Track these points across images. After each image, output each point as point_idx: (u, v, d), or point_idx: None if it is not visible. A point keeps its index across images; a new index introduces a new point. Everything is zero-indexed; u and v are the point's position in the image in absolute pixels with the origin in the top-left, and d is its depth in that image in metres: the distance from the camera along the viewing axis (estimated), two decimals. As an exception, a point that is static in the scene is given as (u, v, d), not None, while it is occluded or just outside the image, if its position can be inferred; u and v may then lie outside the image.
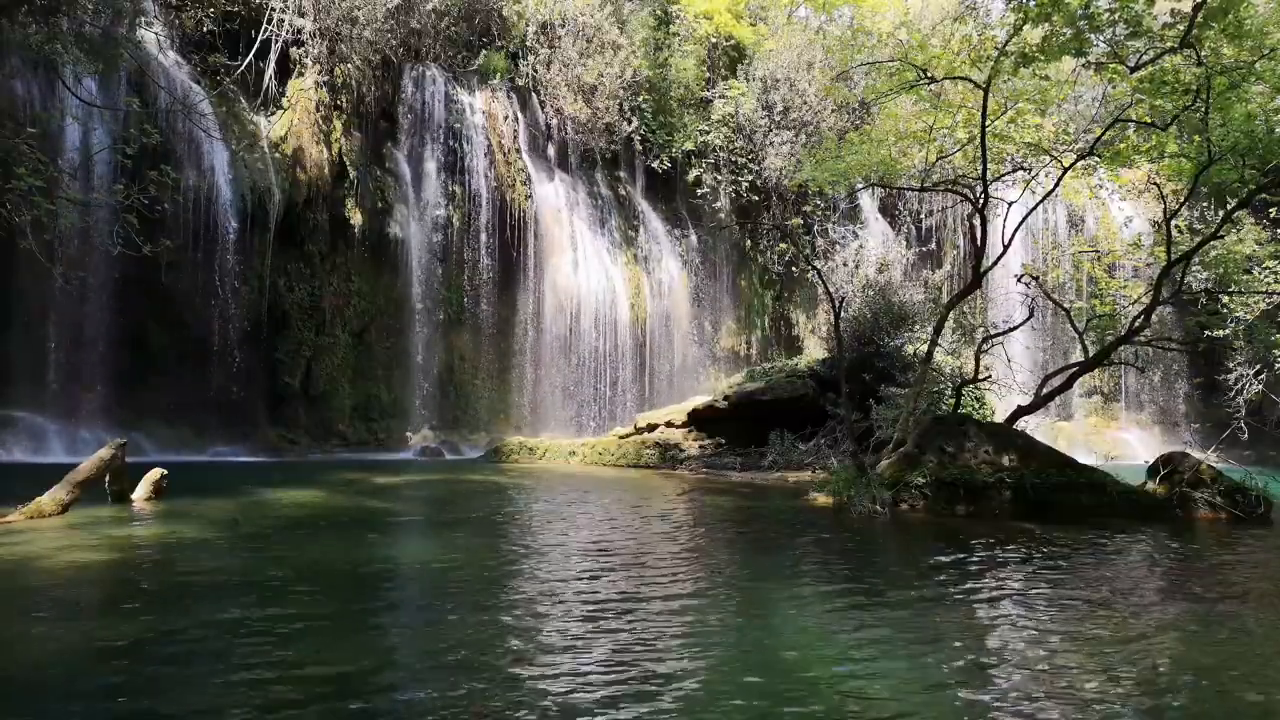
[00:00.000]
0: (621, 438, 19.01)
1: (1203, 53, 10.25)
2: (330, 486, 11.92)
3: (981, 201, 12.94)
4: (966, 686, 3.91)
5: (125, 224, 13.60)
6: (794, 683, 3.87)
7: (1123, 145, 12.52)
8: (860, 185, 17.68)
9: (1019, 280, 15.35)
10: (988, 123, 12.04)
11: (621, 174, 27.40)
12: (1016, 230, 13.36)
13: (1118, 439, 27.47)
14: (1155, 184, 15.38)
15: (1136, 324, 12.84)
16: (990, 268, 14.48)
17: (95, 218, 15.29)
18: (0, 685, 3.70)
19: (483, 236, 23.25)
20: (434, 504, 11.20)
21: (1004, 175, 13.97)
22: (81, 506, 8.34)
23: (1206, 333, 20.37)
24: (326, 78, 21.21)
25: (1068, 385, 14.24)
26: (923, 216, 30.00)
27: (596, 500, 11.61)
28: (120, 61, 15.75)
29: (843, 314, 14.60)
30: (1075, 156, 12.82)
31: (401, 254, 22.21)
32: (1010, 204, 13.65)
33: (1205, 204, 21.45)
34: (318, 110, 20.93)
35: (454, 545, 7.65)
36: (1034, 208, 14.42)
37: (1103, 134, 12.42)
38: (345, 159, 21.39)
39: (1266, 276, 17.21)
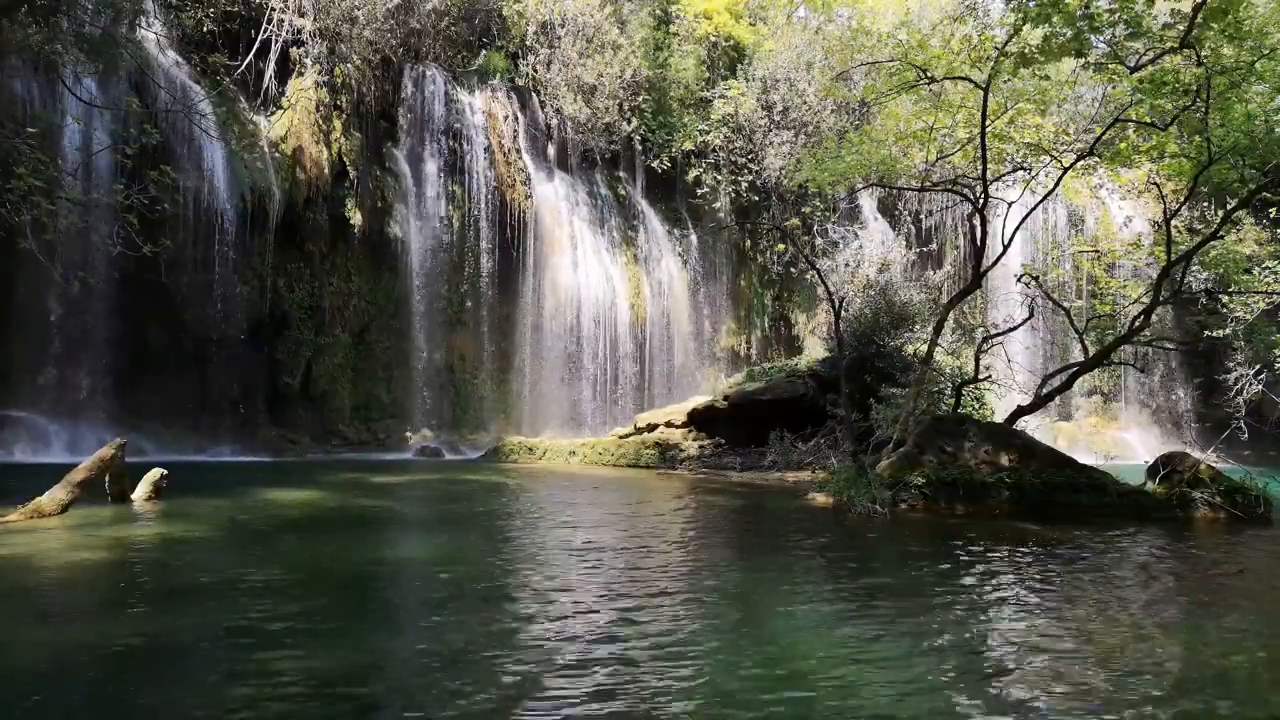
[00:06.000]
0: (621, 438, 19.00)
1: (1203, 53, 10.25)
2: (330, 486, 11.92)
3: (981, 201, 12.94)
4: (965, 686, 3.91)
5: (125, 224, 13.59)
6: (793, 682, 3.87)
7: (1123, 145, 12.52)
8: (860, 185, 17.68)
9: (1019, 280, 15.35)
10: (988, 123, 12.03)
11: (621, 174, 27.40)
12: (1016, 230, 13.36)
13: (1118, 439, 27.44)
14: (1155, 184, 15.36)
15: (1136, 324, 12.85)
16: (990, 268, 14.48)
17: (95, 218, 15.29)
18: None
19: (483, 236, 23.24)
20: (433, 504, 11.20)
21: (1004, 175, 13.96)
22: (81, 506, 8.33)
23: (1206, 333, 20.38)
24: (326, 78, 21.20)
25: (1068, 385, 14.24)
26: (923, 216, 30.00)
27: (596, 500, 11.61)
28: (120, 61, 15.74)
29: (843, 314, 14.61)
30: (1075, 156, 12.81)
31: (401, 254, 22.21)
32: (1010, 204, 13.64)
33: (1205, 204, 21.45)
34: (318, 110, 20.93)
35: (453, 545, 7.65)
36: (1034, 208, 14.41)
37: (1103, 134, 12.41)
38: (345, 159, 21.39)
39: (1266, 276, 17.21)
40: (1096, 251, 26.73)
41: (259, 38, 20.04)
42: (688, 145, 26.98)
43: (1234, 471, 11.16)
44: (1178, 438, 26.32)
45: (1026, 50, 10.95)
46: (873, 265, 22.37)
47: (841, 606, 5.40)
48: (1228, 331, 20.24)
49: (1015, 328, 14.65)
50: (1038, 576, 6.54)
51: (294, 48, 20.82)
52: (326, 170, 20.89)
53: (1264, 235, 20.33)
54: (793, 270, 28.25)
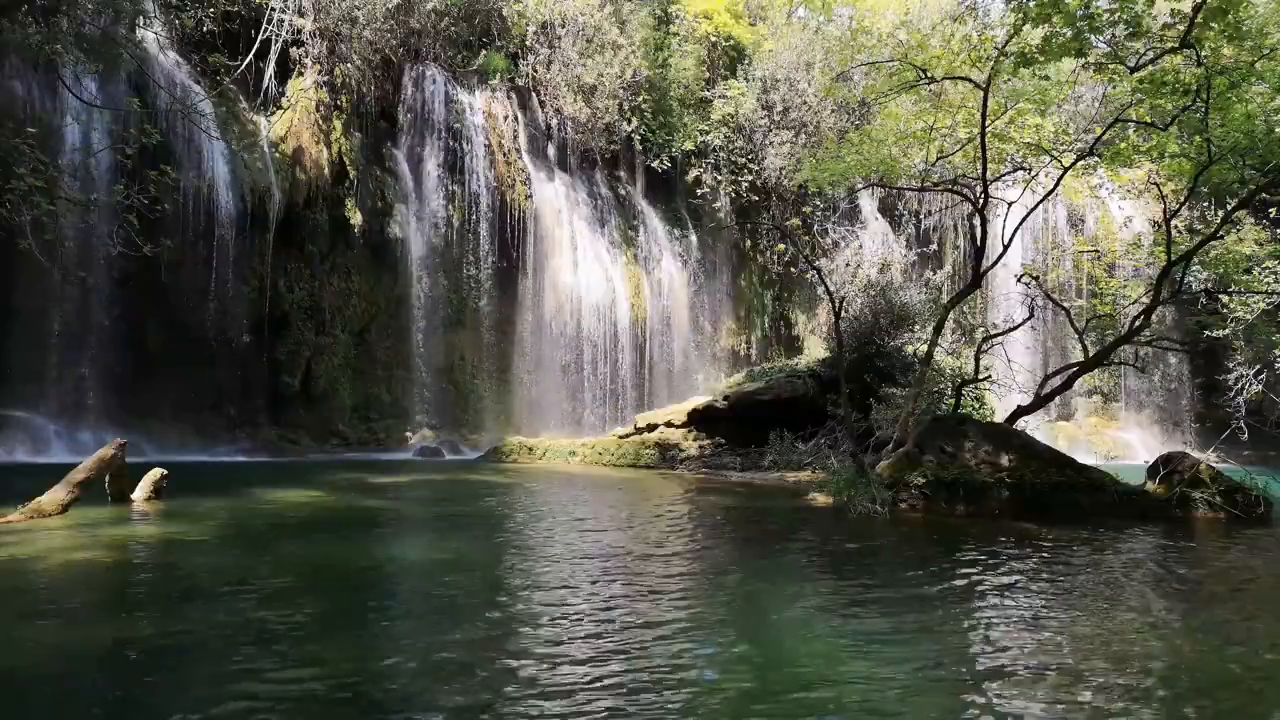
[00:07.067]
0: (621, 438, 18.99)
1: (1203, 53, 10.25)
2: (330, 486, 11.92)
3: (981, 201, 12.95)
4: (965, 686, 3.91)
5: (125, 224, 13.61)
6: (793, 682, 3.87)
7: (1123, 145, 12.53)
8: (860, 185, 17.70)
9: (1019, 280, 15.36)
10: (988, 123, 12.04)
11: (621, 174, 27.39)
12: (1016, 230, 13.37)
13: (1118, 439, 27.46)
14: (1155, 184, 15.37)
15: (1136, 324, 12.85)
16: (990, 268, 14.49)
17: (95, 218, 15.28)
18: None
19: (483, 236, 23.24)
20: (433, 504, 11.20)
21: (1004, 175, 13.97)
22: (81, 506, 8.33)
23: (1206, 333, 20.39)
24: (326, 78, 21.19)
25: (1068, 385, 14.25)
26: (923, 216, 29.99)
27: (595, 500, 11.61)
28: (120, 61, 15.74)
29: (843, 314, 14.61)
30: (1075, 156, 12.82)
31: (401, 254, 22.20)
32: (1010, 204, 13.65)
33: (1205, 204, 21.45)
34: (318, 110, 20.93)
35: (452, 545, 7.65)
36: (1034, 208, 14.42)
37: (1103, 134, 12.42)
38: (345, 159, 21.38)
39: (1266, 276, 17.22)
40: (1096, 251, 26.75)
41: (259, 38, 20.02)
42: (688, 145, 26.96)
43: (1234, 471, 11.16)
44: (1178, 438, 26.32)
45: (1026, 50, 10.95)
46: (873, 265, 22.40)
47: (842, 606, 5.40)
48: (1228, 331, 20.25)
49: (1015, 328, 14.66)
50: (1038, 576, 6.55)
51: (294, 48, 20.80)
52: (326, 170, 20.88)
53: (1264, 235, 20.32)
54: (793, 270, 28.24)
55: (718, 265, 28.31)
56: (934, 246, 29.24)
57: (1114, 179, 15.98)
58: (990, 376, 14.63)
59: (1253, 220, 20.48)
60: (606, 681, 3.80)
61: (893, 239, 28.81)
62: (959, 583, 6.22)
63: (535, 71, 25.14)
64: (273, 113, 20.65)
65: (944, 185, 15.19)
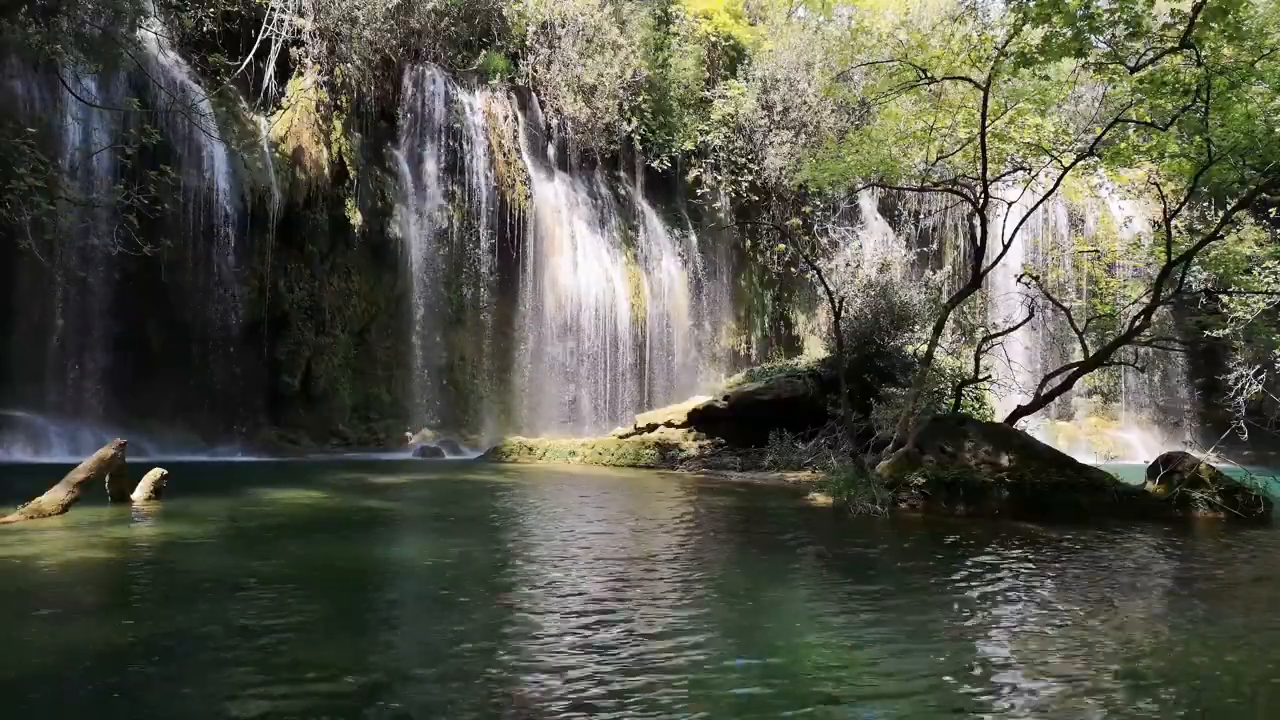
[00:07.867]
0: (621, 438, 18.99)
1: (1203, 53, 10.26)
2: (329, 486, 11.92)
3: (981, 201, 12.95)
4: (964, 685, 3.91)
5: (125, 224, 13.60)
6: (793, 682, 3.87)
7: (1123, 145, 12.53)
8: (860, 185, 17.70)
9: (1019, 280, 15.36)
10: (988, 123, 12.04)
11: (621, 174, 27.38)
12: (1016, 230, 13.37)
13: (1118, 439, 27.46)
14: (1155, 184, 15.38)
15: (1136, 324, 12.86)
16: (990, 268, 14.49)
17: (95, 218, 15.28)
18: None
19: (483, 236, 23.24)
20: (433, 504, 11.20)
21: (1004, 175, 13.97)
22: (81, 506, 8.32)
23: (1206, 333, 20.39)
24: (326, 78, 21.19)
25: (1068, 385, 14.25)
26: (923, 216, 30.00)
27: (595, 501, 11.61)
28: (120, 61, 15.74)
29: (843, 314, 14.61)
30: (1075, 156, 12.82)
31: (401, 254, 22.19)
32: (1010, 204, 13.65)
33: (1205, 204, 21.46)
34: (318, 110, 20.92)
35: (452, 546, 7.65)
36: (1034, 208, 14.43)
37: (1103, 134, 12.43)
38: (345, 159, 21.38)
39: (1266, 276, 17.22)
40: (1096, 251, 26.76)
41: (259, 38, 20.02)
42: (688, 145, 26.96)
43: (1234, 471, 11.16)
44: (1178, 438, 26.32)
45: (1026, 50, 10.95)
46: (873, 265, 22.36)
47: (841, 606, 5.40)
48: (1228, 331, 20.25)
49: (1015, 328, 14.67)
50: (1036, 576, 6.55)
51: (294, 48, 20.80)
52: (326, 170, 20.88)
53: (1264, 235, 20.33)
54: (793, 270, 28.24)
55: (718, 265, 28.31)
56: (934, 246, 29.23)
57: (1114, 179, 15.99)
58: (990, 376, 14.63)
59: (1253, 220, 20.49)
60: (603, 682, 3.80)
61: (893, 239, 28.78)
62: (958, 583, 6.22)
63: (535, 71, 25.14)
64: (273, 113, 20.65)
65: (944, 185, 15.20)
